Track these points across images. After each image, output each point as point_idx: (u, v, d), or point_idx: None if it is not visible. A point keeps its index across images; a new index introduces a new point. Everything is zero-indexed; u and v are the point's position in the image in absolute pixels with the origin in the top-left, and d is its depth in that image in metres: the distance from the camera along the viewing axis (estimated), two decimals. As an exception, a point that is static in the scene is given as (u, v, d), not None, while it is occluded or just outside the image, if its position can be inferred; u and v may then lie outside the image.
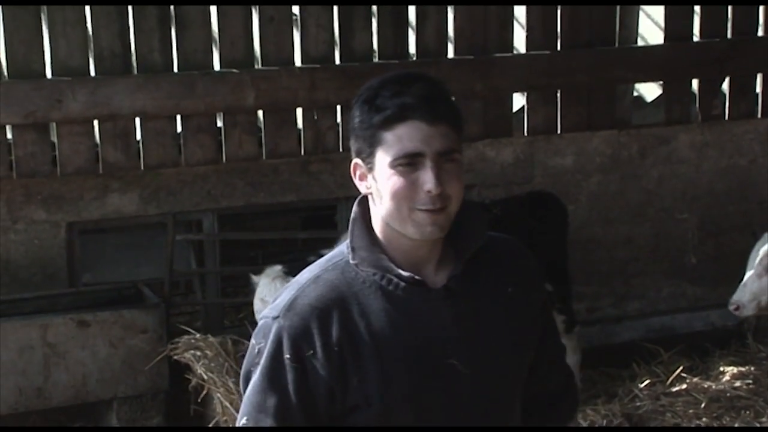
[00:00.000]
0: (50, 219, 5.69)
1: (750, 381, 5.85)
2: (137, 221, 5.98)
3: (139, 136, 5.65)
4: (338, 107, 5.90)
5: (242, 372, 2.46)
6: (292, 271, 5.03)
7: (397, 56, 5.98)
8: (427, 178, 2.32)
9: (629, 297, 6.68)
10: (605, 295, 6.61)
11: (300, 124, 5.90)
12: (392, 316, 2.38)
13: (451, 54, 6.12)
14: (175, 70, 5.65)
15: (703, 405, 5.52)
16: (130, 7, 5.55)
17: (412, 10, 6.05)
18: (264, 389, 2.38)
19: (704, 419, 5.39)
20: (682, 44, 6.48)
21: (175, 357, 5.33)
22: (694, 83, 6.59)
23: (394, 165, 2.34)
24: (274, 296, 5.04)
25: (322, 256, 2.54)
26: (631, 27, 6.42)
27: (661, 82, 6.58)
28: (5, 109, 5.35)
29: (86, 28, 5.52)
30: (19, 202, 5.63)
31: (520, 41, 6.31)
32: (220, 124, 5.78)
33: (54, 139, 5.53)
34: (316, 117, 5.88)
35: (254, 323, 5.30)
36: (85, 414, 5.60)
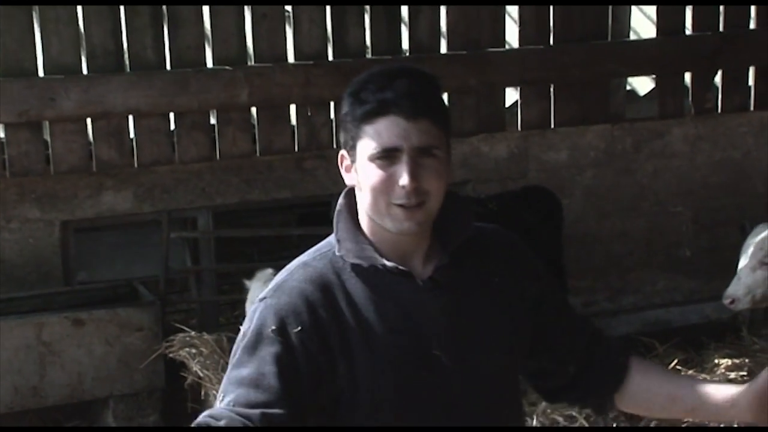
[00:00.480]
0: (44, 218, 5.68)
1: (745, 373, 5.85)
2: (132, 219, 5.97)
3: (132, 134, 5.64)
4: (332, 103, 5.89)
5: (230, 357, 2.43)
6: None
7: (390, 52, 5.98)
8: (402, 173, 2.33)
9: (624, 291, 6.69)
10: (600, 289, 6.62)
11: (294, 120, 5.89)
12: (378, 307, 2.39)
13: (444, 49, 6.12)
14: (168, 67, 5.65)
15: (698, 398, 5.51)
16: (122, 5, 5.55)
17: (405, 6, 6.05)
18: (242, 362, 2.33)
19: (700, 412, 5.39)
20: (674, 38, 6.49)
21: (171, 355, 5.33)
22: (687, 77, 6.60)
23: (372, 159, 2.35)
24: None
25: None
26: (623, 21, 6.43)
27: (654, 76, 6.59)
28: (-2, 107, 5.35)
29: (78, 26, 5.52)
30: (12, 201, 5.62)
31: (513, 36, 6.32)
32: (213, 121, 5.78)
33: (47, 137, 5.52)
34: (309, 113, 5.88)
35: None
36: (81, 412, 5.59)
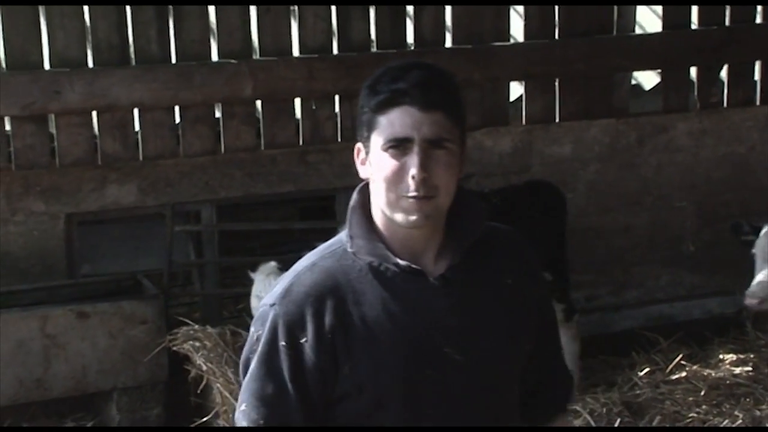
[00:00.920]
0: (49, 210, 5.69)
1: (749, 368, 5.86)
2: (136, 212, 5.98)
3: (137, 127, 5.65)
4: (336, 97, 5.90)
5: (242, 359, 2.48)
6: (286, 268, 5.02)
7: (394, 46, 5.97)
8: (412, 164, 2.33)
9: (628, 285, 6.69)
10: (604, 283, 6.62)
11: (298, 114, 5.89)
12: (388, 305, 2.39)
13: (448, 43, 6.12)
14: (173, 61, 5.65)
15: (702, 392, 5.52)
16: (127, -1, 5.56)
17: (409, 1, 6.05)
18: (261, 376, 2.40)
19: (704, 407, 5.40)
20: (679, 32, 6.48)
21: (174, 348, 5.34)
22: (692, 71, 6.59)
23: (384, 149, 2.35)
24: (268, 291, 5.08)
25: (314, 248, 2.54)
26: (628, 15, 6.42)
27: (659, 70, 6.58)
28: (3, 100, 5.35)
29: (84, 19, 5.52)
30: (17, 193, 5.63)
31: (517, 30, 6.31)
32: (218, 114, 5.78)
33: (52, 130, 5.53)
34: (314, 107, 5.88)
35: (252, 316, 5.32)
36: (84, 405, 5.60)
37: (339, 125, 5.91)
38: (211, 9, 5.72)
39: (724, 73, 6.66)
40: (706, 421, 5.26)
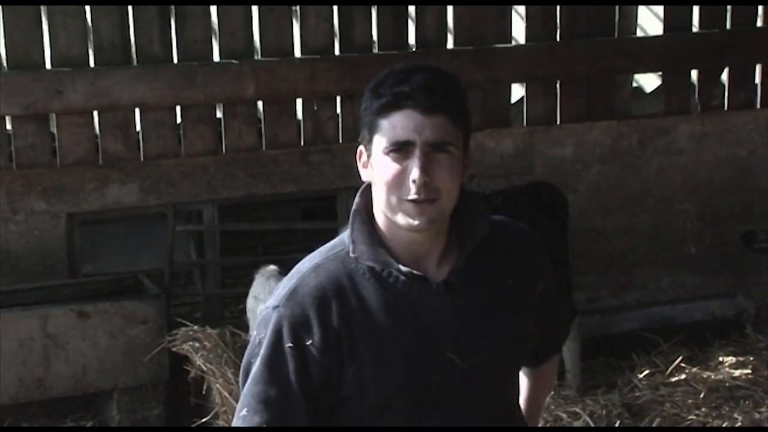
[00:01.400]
0: (50, 210, 5.69)
1: (749, 371, 5.86)
2: (137, 212, 5.98)
3: (139, 127, 5.65)
4: (338, 98, 5.90)
5: (242, 364, 2.46)
6: (287, 270, 5.03)
7: (396, 47, 5.97)
8: (413, 167, 2.32)
9: (629, 287, 6.69)
10: (605, 285, 6.62)
11: (300, 114, 5.90)
12: (391, 310, 2.38)
13: (450, 45, 6.12)
14: (175, 60, 5.65)
15: (702, 395, 5.53)
16: (129, -2, 5.56)
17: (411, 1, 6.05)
18: (264, 379, 2.38)
19: (703, 409, 5.40)
20: (681, 34, 6.47)
21: (174, 348, 5.34)
22: (694, 74, 6.59)
23: (386, 152, 2.35)
24: (267, 295, 5.09)
25: (313, 251, 2.53)
26: (630, 17, 6.42)
27: (661, 73, 6.58)
28: (5, 100, 5.35)
29: (86, 18, 5.52)
30: (19, 193, 5.63)
31: (519, 32, 6.31)
32: (219, 114, 5.78)
33: (54, 129, 5.53)
34: (315, 107, 5.88)
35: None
36: (85, 404, 5.60)
37: (341, 126, 5.91)
38: (213, 9, 5.72)
39: (725, 76, 6.66)
40: (705, 424, 5.27)
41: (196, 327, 5.41)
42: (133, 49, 5.60)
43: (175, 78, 5.61)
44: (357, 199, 2.48)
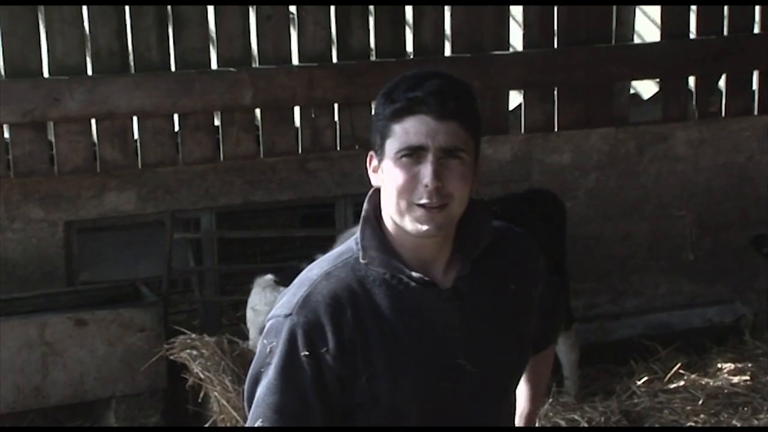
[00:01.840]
0: (48, 218, 5.69)
1: (747, 377, 5.86)
2: (135, 220, 5.98)
3: (136, 135, 5.65)
4: (336, 105, 5.90)
5: (250, 373, 2.41)
6: (284, 279, 5.04)
7: (394, 54, 5.97)
8: (426, 173, 2.32)
9: (627, 294, 6.69)
10: (603, 291, 6.62)
11: (298, 122, 5.90)
12: (402, 316, 2.39)
13: (448, 52, 6.12)
14: (173, 68, 5.65)
15: (700, 402, 5.52)
16: (127, 6, 5.55)
17: (409, 8, 6.05)
18: (279, 389, 2.34)
19: (702, 416, 5.40)
20: (678, 41, 6.48)
21: (172, 356, 5.33)
22: (691, 80, 6.59)
23: (398, 157, 2.35)
24: (264, 305, 5.08)
25: (314, 260, 2.52)
26: (627, 24, 6.42)
27: (658, 80, 6.58)
28: (3, 107, 5.36)
29: (83, 26, 5.52)
30: (16, 201, 5.63)
31: (517, 39, 6.32)
32: (217, 122, 5.78)
33: (51, 137, 5.53)
34: (313, 115, 5.89)
35: (247, 326, 5.33)
36: (83, 412, 5.60)
37: (338, 133, 5.91)
38: (211, 17, 5.72)
39: (722, 83, 6.66)
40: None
41: (193, 335, 5.40)
42: (131, 56, 5.60)
43: (172, 86, 5.61)
44: (365, 205, 2.47)
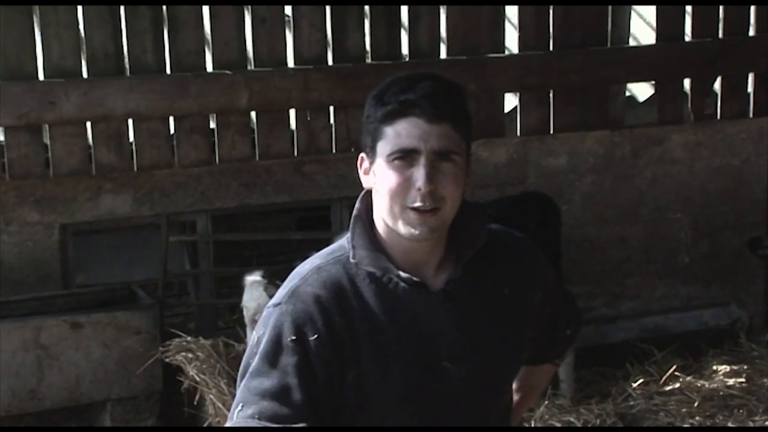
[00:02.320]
0: (43, 220, 5.68)
1: (743, 380, 5.86)
2: (131, 222, 5.98)
3: (132, 138, 5.65)
4: (331, 108, 5.90)
5: (241, 366, 2.41)
6: (271, 279, 5.04)
7: (390, 57, 5.98)
8: (419, 176, 2.32)
9: (623, 297, 6.69)
10: (599, 295, 6.62)
11: (293, 124, 5.90)
12: (391, 316, 2.38)
13: (443, 54, 6.13)
14: (168, 71, 5.65)
15: (696, 404, 5.53)
16: (122, 9, 5.55)
17: (404, 10, 6.06)
18: (261, 372, 2.33)
19: (697, 418, 5.41)
20: (674, 44, 6.49)
21: (167, 359, 5.33)
22: (686, 83, 6.60)
23: (390, 160, 2.34)
24: (252, 301, 5.08)
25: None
26: (623, 27, 6.43)
27: (654, 82, 6.59)
28: (-2, 110, 5.35)
29: (79, 29, 5.52)
30: (12, 203, 5.62)
31: (512, 41, 6.32)
32: (213, 125, 5.78)
33: (47, 140, 5.53)
34: (309, 118, 5.89)
35: (244, 327, 5.33)
36: (78, 416, 5.59)
37: (334, 136, 5.91)
38: (207, 19, 5.72)
39: (717, 86, 6.67)
40: (699, 433, 5.27)
41: (189, 338, 5.40)
42: (127, 59, 5.60)
43: (168, 88, 5.61)
44: (357, 204, 2.48)
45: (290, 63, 5.85)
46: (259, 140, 5.83)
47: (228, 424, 2.33)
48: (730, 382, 5.83)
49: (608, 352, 6.33)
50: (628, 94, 6.61)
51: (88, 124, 5.55)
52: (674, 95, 6.56)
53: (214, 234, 6.16)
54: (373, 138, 2.38)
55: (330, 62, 5.91)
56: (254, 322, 4.94)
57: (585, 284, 6.49)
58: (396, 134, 2.34)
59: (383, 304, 2.38)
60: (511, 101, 6.35)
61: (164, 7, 5.63)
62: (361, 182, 2.47)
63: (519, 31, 6.25)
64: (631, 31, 6.52)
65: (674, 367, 5.92)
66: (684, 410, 5.46)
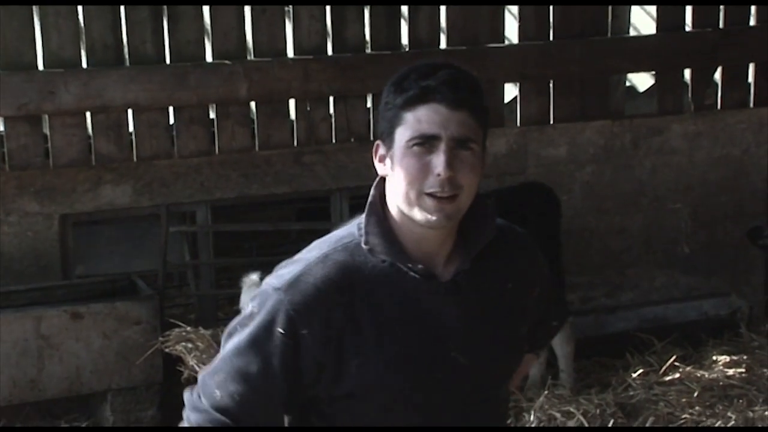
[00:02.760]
0: (43, 211, 5.68)
1: (743, 370, 5.86)
2: (130, 213, 5.97)
3: (131, 128, 5.65)
4: (331, 98, 5.90)
5: (229, 326, 2.43)
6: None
7: (389, 47, 5.98)
8: (438, 162, 2.32)
9: (622, 287, 6.69)
10: (599, 285, 6.62)
11: (293, 115, 5.90)
12: (399, 306, 2.38)
13: (443, 45, 6.12)
14: (168, 61, 5.65)
15: (696, 394, 5.53)
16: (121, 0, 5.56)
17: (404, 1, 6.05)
18: (247, 353, 2.35)
19: (697, 408, 5.40)
20: (674, 34, 6.48)
21: (167, 349, 5.33)
22: (687, 73, 6.60)
23: (409, 146, 2.34)
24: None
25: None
26: (623, 17, 6.42)
27: (654, 72, 6.59)
28: (-2, 101, 5.35)
29: (78, 19, 5.52)
30: (11, 194, 5.62)
31: (512, 32, 6.32)
32: (212, 115, 5.78)
33: (46, 131, 5.53)
34: (308, 108, 5.89)
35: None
36: (79, 406, 5.60)
37: (334, 126, 5.91)
38: (206, 10, 5.72)
39: (718, 75, 6.67)
40: (699, 422, 5.27)
41: (189, 328, 5.40)
42: (126, 50, 5.60)
43: (167, 79, 5.61)
44: (372, 191, 2.46)
45: (290, 53, 5.85)
46: (259, 131, 5.83)
47: (199, 390, 2.41)
48: (730, 372, 5.82)
49: (608, 342, 6.33)
50: (628, 84, 6.61)
51: (88, 114, 5.56)
52: (674, 85, 6.56)
53: (214, 225, 6.16)
54: (392, 124, 2.37)
55: (330, 52, 5.90)
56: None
57: (585, 274, 6.49)
58: (416, 120, 2.33)
59: (391, 293, 2.38)
60: (510, 91, 6.34)
61: (164, -2, 5.63)
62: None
63: (519, 21, 6.25)
64: (632, 20, 6.51)
65: (674, 357, 5.91)
66: (684, 400, 5.45)
